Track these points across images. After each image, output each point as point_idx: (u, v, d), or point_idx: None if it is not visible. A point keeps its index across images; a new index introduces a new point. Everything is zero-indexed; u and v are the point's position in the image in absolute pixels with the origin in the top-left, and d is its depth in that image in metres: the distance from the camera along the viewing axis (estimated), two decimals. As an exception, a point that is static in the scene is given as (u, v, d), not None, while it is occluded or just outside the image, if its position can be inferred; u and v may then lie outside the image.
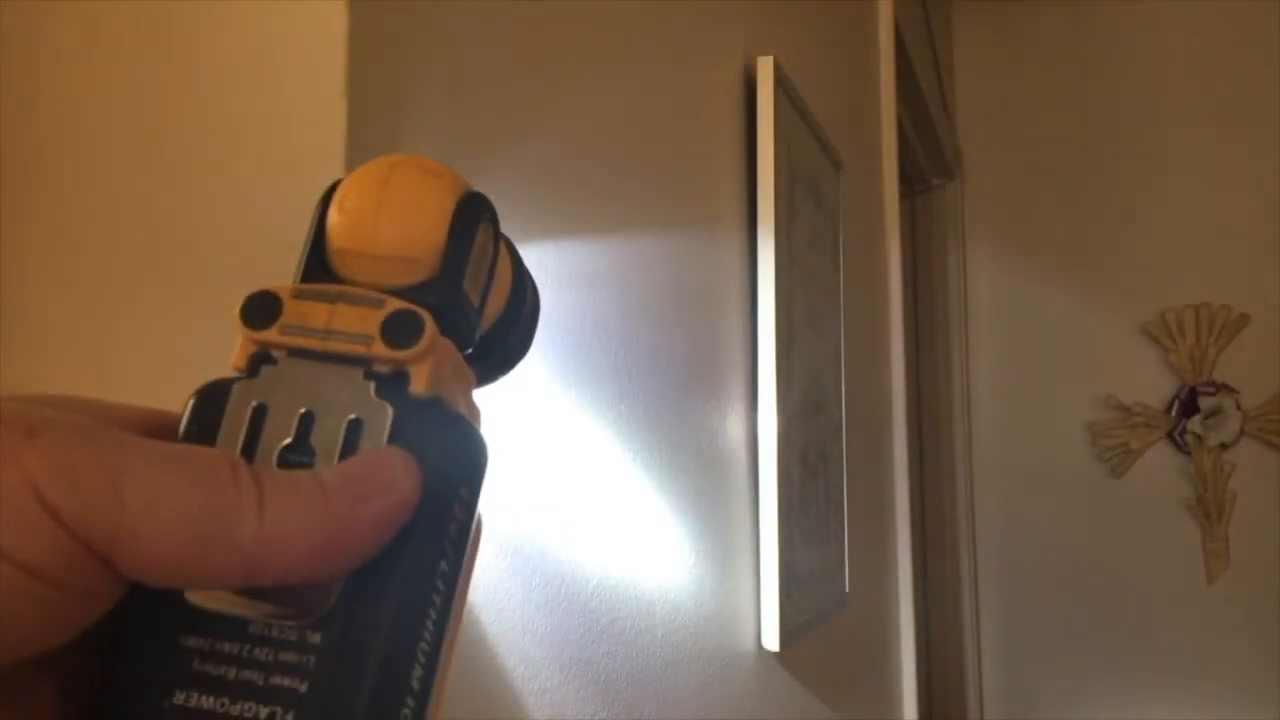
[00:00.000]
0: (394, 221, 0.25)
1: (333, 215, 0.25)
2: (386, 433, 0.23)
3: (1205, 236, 2.67)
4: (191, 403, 0.24)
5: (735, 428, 1.08)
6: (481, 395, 0.27)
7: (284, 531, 0.20)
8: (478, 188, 0.27)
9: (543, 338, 0.69)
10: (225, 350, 0.25)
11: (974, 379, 2.80)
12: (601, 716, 0.75)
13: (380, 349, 0.23)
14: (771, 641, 1.08)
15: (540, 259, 0.70)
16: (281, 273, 0.27)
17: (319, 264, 0.26)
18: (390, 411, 0.23)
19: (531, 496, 0.68)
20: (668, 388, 0.90)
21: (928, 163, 2.62)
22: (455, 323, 0.25)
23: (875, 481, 1.83)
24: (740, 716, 1.05)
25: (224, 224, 0.52)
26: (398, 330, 0.24)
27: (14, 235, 0.54)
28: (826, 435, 1.38)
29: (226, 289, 0.28)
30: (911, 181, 2.68)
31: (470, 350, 0.27)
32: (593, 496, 0.77)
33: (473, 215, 0.26)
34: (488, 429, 0.26)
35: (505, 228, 0.28)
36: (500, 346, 0.29)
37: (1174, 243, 2.69)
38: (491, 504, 0.62)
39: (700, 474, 0.98)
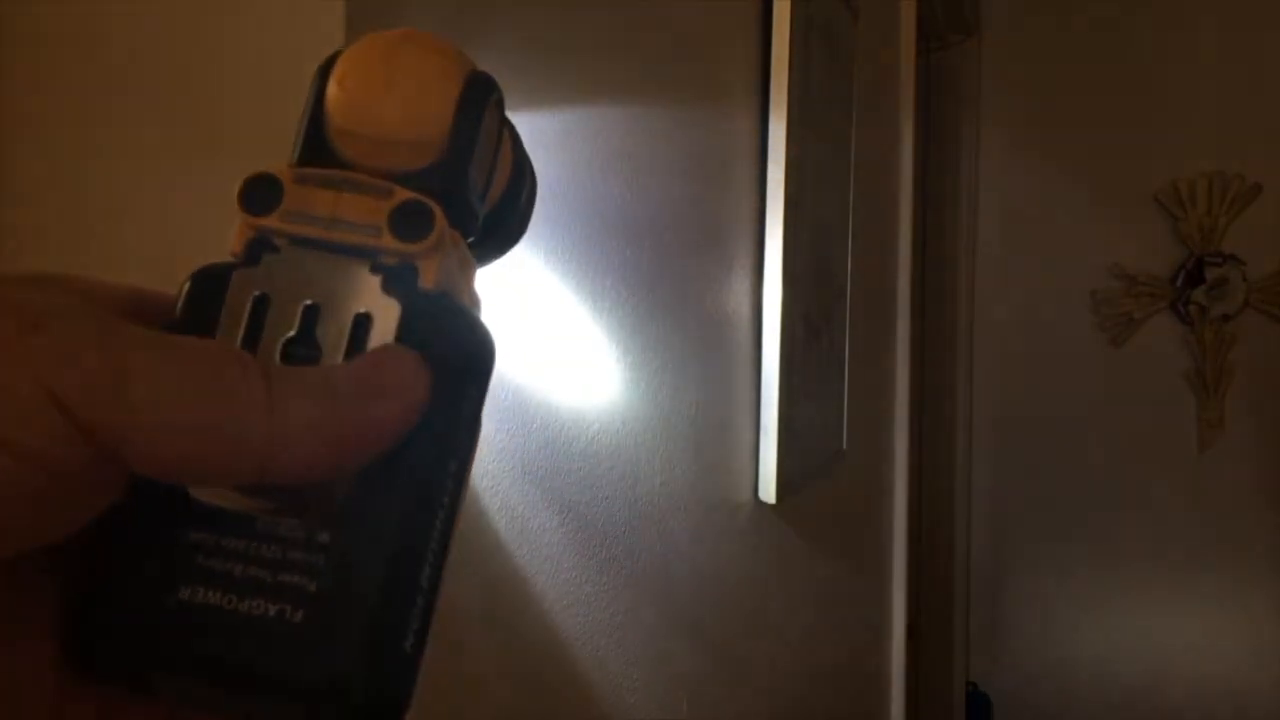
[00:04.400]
0: (399, 103, 0.23)
1: (333, 91, 0.24)
2: (394, 329, 0.23)
3: (1222, 104, 2.60)
4: (186, 287, 0.23)
5: (740, 284, 1.07)
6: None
7: (293, 430, 0.20)
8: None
9: (549, 181, 0.67)
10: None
11: (981, 243, 2.77)
12: (598, 560, 0.76)
13: (388, 241, 0.23)
14: (768, 494, 1.10)
15: (544, 119, 0.67)
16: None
17: (318, 142, 0.24)
18: (398, 307, 0.23)
19: (534, 343, 0.67)
20: (675, 241, 0.89)
21: (945, 17, 2.53)
22: (461, 210, 0.24)
23: (876, 341, 1.83)
24: (735, 566, 1.07)
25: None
26: (407, 222, 0.23)
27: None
28: (831, 295, 1.37)
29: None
30: (928, 38, 2.59)
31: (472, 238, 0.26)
32: (595, 346, 0.76)
33: (480, 96, 0.24)
34: (489, 312, 0.25)
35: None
36: (499, 229, 0.28)
37: (1190, 110, 2.62)
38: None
39: (704, 328, 0.97)
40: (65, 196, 0.53)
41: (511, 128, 0.28)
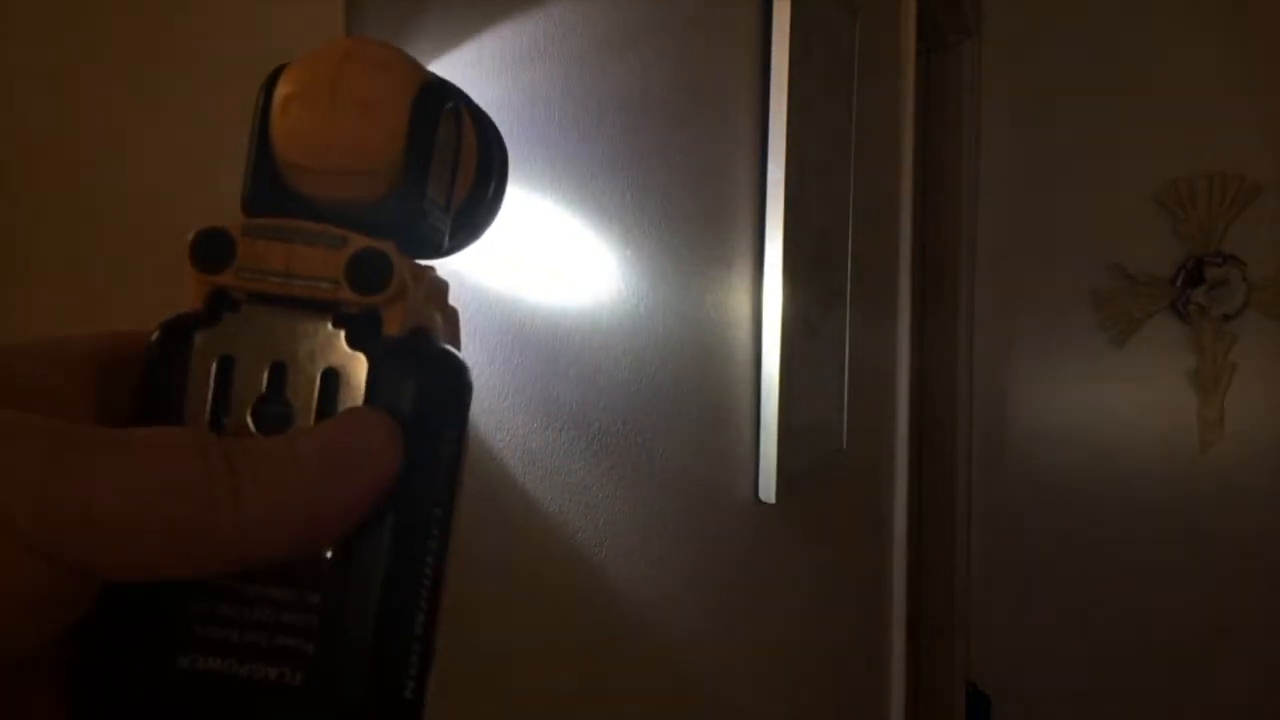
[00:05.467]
0: (345, 134, 0.22)
1: (276, 119, 0.23)
2: (363, 382, 0.22)
3: (1222, 104, 2.60)
4: (156, 337, 0.23)
5: (740, 284, 1.07)
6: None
7: (262, 518, 0.20)
8: None
9: (553, 173, 0.67)
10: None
11: (981, 242, 2.77)
12: (597, 560, 0.76)
13: (347, 294, 0.22)
14: (768, 493, 1.10)
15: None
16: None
17: (267, 173, 0.23)
18: (365, 361, 0.22)
19: (537, 343, 0.67)
20: (675, 237, 0.89)
21: (945, 17, 2.53)
22: (422, 238, 0.23)
23: (877, 341, 1.83)
24: (735, 565, 1.07)
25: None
26: (363, 275, 0.22)
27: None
28: (831, 294, 1.37)
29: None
30: (928, 38, 2.59)
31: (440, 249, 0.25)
32: (595, 346, 0.76)
33: (431, 111, 0.23)
34: (466, 324, 0.25)
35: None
36: (467, 224, 0.27)
37: (1190, 110, 2.62)
38: (496, 338, 0.61)
39: (704, 328, 0.97)
40: (65, 178, 0.53)
41: (474, 112, 0.26)
